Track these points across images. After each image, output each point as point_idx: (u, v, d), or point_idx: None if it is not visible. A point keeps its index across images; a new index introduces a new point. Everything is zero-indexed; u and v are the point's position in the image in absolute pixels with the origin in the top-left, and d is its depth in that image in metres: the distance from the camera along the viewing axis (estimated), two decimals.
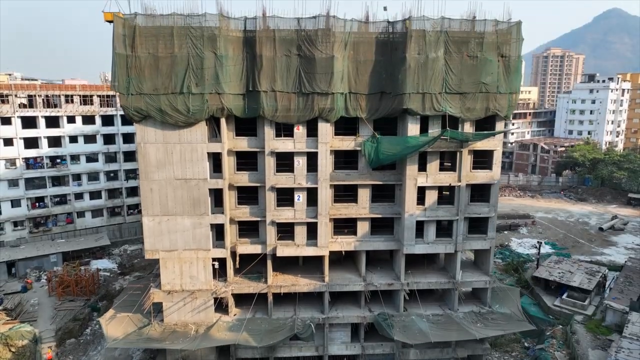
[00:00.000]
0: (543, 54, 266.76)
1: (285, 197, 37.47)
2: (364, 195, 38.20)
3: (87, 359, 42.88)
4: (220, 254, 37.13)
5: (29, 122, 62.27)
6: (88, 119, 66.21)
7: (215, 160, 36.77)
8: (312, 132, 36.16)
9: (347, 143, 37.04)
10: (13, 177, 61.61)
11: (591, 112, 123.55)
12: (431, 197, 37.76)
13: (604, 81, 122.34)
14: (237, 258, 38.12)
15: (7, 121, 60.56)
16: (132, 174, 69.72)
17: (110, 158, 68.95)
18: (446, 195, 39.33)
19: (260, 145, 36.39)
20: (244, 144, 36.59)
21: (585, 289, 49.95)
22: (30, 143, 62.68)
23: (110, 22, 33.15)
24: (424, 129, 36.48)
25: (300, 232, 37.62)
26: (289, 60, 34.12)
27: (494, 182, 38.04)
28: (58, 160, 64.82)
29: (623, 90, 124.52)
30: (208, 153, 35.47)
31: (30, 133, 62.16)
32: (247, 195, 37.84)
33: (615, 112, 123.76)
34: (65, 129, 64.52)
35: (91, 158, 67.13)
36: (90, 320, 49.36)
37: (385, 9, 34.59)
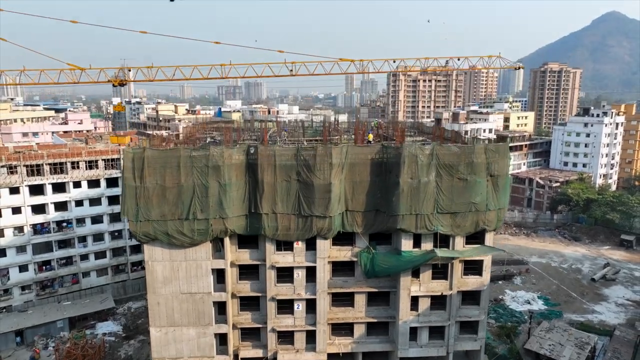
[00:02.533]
0: (540, 69, 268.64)
1: (285, 304, 39.41)
2: (360, 300, 40.20)
3: None
4: None
5: (36, 189, 64.13)
6: (93, 182, 68.02)
7: (219, 271, 38.64)
8: (311, 245, 38.11)
9: (344, 253, 39.01)
10: (21, 244, 63.52)
11: (586, 145, 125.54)
12: (424, 303, 39.76)
13: (598, 115, 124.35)
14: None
15: (15, 190, 62.41)
16: None
17: (115, 218, 70.72)
18: (438, 297, 41.21)
19: (262, 257, 38.34)
20: (245, 256, 38.54)
21: None
22: (38, 209, 64.55)
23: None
24: (417, 241, 38.44)
25: (300, 338, 39.61)
26: (289, 185, 36.06)
27: (484, 288, 40.01)
28: (64, 224, 66.70)
29: (617, 124, 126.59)
30: (212, 269, 37.36)
31: (37, 200, 64.01)
32: (249, 302, 39.78)
33: (609, 145, 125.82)
34: (72, 194, 66.36)
35: (96, 219, 68.97)
36: None
37: (372, 135, 36.48)
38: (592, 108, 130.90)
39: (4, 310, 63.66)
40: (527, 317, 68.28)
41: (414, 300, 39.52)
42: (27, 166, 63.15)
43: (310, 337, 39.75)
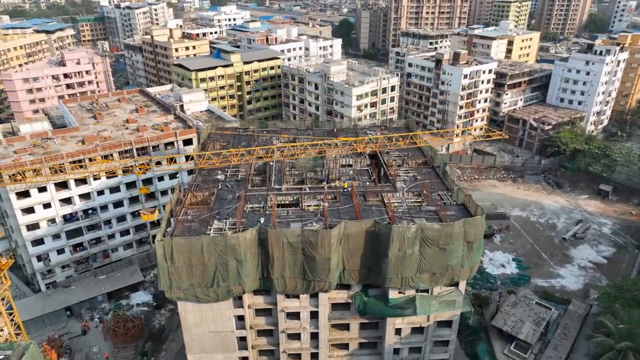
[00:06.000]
0: None
1: (294, 333, 48.82)
2: (354, 326, 49.54)
3: None
4: None
5: (61, 184, 70.12)
6: (111, 173, 73.52)
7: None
8: (314, 294, 46.13)
9: (341, 295, 47.26)
10: (55, 232, 71.58)
11: (584, 83, 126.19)
12: (406, 331, 49.15)
13: (601, 52, 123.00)
14: None
15: (43, 189, 68.51)
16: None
17: (134, 200, 77.67)
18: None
19: (273, 301, 46.72)
20: (260, 300, 46.89)
21: (528, 343, 63.59)
22: (65, 201, 71.32)
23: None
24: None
25: (306, 357, 49.79)
26: (295, 257, 42.83)
27: (455, 318, 49.09)
28: (90, 211, 74.00)
29: (619, 61, 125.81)
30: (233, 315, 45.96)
31: (63, 194, 70.46)
32: (265, 331, 49.16)
33: (607, 82, 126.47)
34: (93, 185, 72.51)
35: (117, 204, 75.99)
36: None
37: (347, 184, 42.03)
38: (596, 43, 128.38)
39: (50, 286, 74.18)
40: (499, 283, 79.35)
41: (398, 330, 48.81)
42: (50, 167, 68.31)
43: (314, 357, 49.89)
